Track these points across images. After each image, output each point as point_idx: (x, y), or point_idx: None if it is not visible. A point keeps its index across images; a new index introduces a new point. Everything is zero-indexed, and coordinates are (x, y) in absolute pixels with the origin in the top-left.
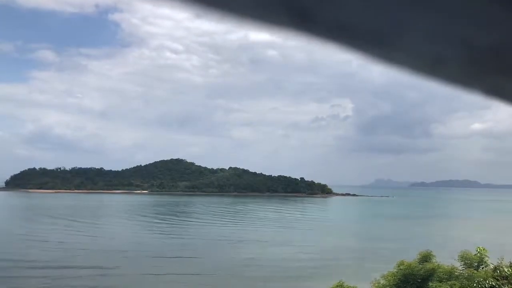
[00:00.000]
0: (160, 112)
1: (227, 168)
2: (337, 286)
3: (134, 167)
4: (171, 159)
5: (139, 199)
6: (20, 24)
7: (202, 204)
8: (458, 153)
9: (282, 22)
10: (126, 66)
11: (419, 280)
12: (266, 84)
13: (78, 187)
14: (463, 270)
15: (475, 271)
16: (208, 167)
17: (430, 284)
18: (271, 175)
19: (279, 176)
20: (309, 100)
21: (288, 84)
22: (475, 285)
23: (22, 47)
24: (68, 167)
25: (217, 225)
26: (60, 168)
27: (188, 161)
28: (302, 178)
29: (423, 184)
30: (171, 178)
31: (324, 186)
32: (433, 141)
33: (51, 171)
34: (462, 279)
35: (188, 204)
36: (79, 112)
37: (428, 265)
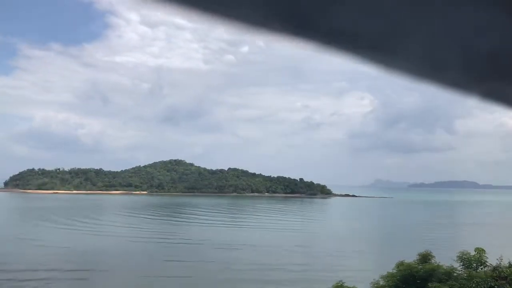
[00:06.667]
0: (160, 109)
1: (226, 169)
2: (336, 286)
3: (133, 168)
4: (170, 160)
5: (138, 200)
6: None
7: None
8: (472, 153)
9: (281, 28)
10: (119, 53)
11: (419, 281)
12: (279, 74)
13: (77, 187)
14: (462, 270)
15: (474, 272)
16: (208, 168)
17: (430, 284)
18: (270, 176)
19: (278, 177)
20: (324, 93)
21: (303, 75)
22: (474, 285)
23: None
24: (67, 168)
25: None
26: (59, 169)
27: (188, 161)
28: (301, 179)
29: (422, 185)
30: (170, 179)
31: (324, 186)
32: (453, 138)
33: (50, 171)
34: (461, 280)
35: (190, 205)
36: (71, 108)
37: (428, 266)
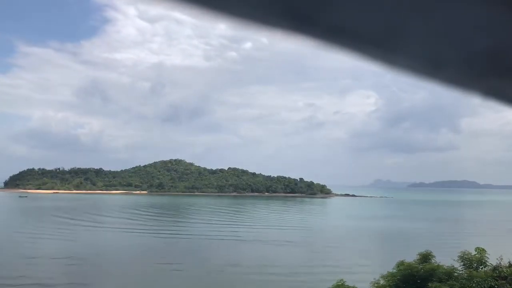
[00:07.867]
0: (160, 108)
1: (226, 169)
2: (337, 285)
3: (133, 168)
4: (170, 160)
5: (137, 200)
6: None
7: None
8: (475, 152)
9: (282, 24)
10: (118, 49)
11: (419, 281)
12: (282, 72)
13: (77, 187)
14: (462, 270)
15: (475, 272)
16: (208, 168)
17: (430, 284)
18: (270, 176)
19: (278, 177)
20: (328, 91)
21: (307, 73)
22: (474, 285)
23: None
24: (67, 168)
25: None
26: (59, 169)
27: (188, 161)
28: (301, 179)
29: (421, 185)
30: (170, 179)
31: (323, 186)
32: (457, 137)
33: (50, 171)
34: (461, 280)
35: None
36: (70, 107)
37: (428, 266)
